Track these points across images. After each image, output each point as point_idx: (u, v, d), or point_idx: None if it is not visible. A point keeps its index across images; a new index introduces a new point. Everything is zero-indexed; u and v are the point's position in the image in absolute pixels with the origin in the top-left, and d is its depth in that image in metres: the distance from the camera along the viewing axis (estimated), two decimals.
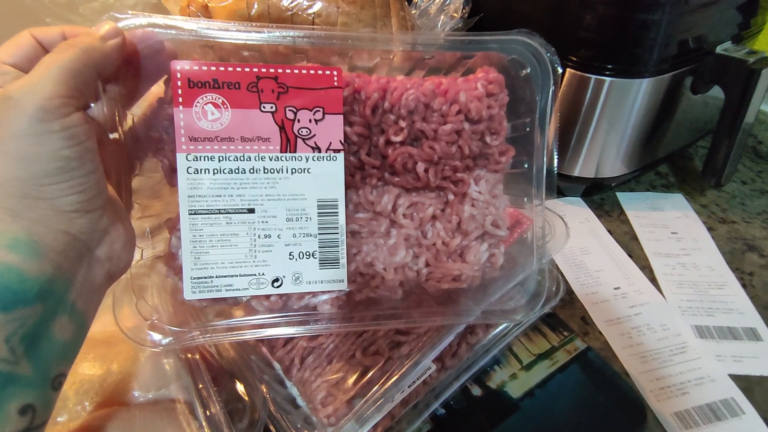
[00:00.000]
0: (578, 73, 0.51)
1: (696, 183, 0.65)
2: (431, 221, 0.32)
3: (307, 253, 0.29)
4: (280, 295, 0.29)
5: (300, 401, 0.34)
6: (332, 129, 0.28)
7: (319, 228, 0.29)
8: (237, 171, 0.27)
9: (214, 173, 0.27)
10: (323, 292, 0.30)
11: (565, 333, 0.43)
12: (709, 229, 0.57)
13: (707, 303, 0.48)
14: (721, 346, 0.44)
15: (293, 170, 0.28)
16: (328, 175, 0.29)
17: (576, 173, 0.57)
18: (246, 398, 0.31)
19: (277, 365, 0.36)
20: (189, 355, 0.33)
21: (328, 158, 0.28)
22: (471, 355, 0.37)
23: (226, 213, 0.27)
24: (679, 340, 0.44)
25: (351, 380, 0.34)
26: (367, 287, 0.31)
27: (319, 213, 0.29)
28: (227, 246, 0.28)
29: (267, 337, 0.34)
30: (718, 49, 0.53)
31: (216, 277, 0.28)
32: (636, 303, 0.48)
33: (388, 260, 0.30)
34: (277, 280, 0.29)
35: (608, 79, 0.50)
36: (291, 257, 0.29)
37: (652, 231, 0.57)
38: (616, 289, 0.50)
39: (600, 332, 0.45)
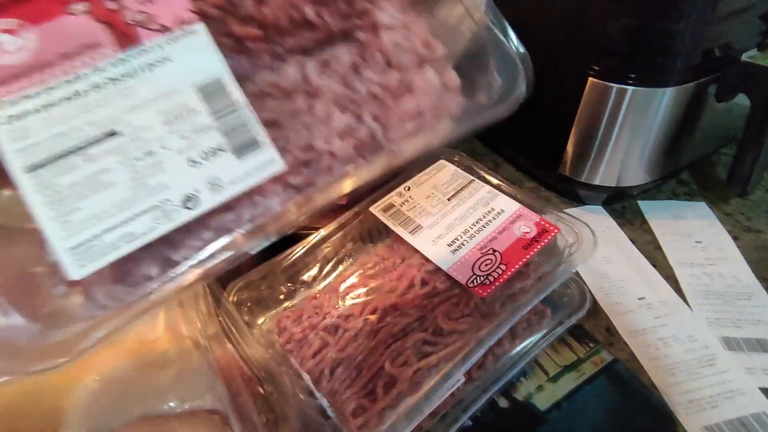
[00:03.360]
0: (600, 82, 0.51)
1: (719, 191, 0.64)
2: (354, 72, 0.27)
3: (212, 150, 0.23)
4: (210, 216, 0.23)
5: (330, 412, 0.34)
6: (172, 0, 0.23)
7: (214, 116, 0.23)
8: (73, 96, 0.22)
9: (40, 111, 0.21)
10: (258, 183, 0.24)
11: (591, 344, 0.42)
12: (734, 238, 0.56)
13: (735, 314, 0.47)
14: (750, 358, 0.43)
15: (147, 66, 0.23)
16: (194, 53, 0.23)
17: (597, 182, 0.56)
18: (278, 409, 0.32)
19: (306, 376, 0.36)
20: (221, 366, 0.33)
21: (184, 34, 0.23)
22: (498, 367, 0.37)
23: (80, 149, 0.22)
24: (707, 352, 0.44)
25: (380, 391, 0.34)
26: (320, 173, 0.26)
27: (205, 99, 0.23)
28: (100, 188, 0.21)
29: (237, 259, 0.25)
30: (744, 57, 0.52)
31: (103, 232, 0.21)
32: (661, 313, 0.48)
33: (326, 133, 0.26)
34: (189, 198, 0.23)
35: (630, 88, 0.50)
36: (193, 164, 0.23)
37: (675, 240, 0.56)
38: (640, 299, 0.49)
39: (625, 343, 0.45)
